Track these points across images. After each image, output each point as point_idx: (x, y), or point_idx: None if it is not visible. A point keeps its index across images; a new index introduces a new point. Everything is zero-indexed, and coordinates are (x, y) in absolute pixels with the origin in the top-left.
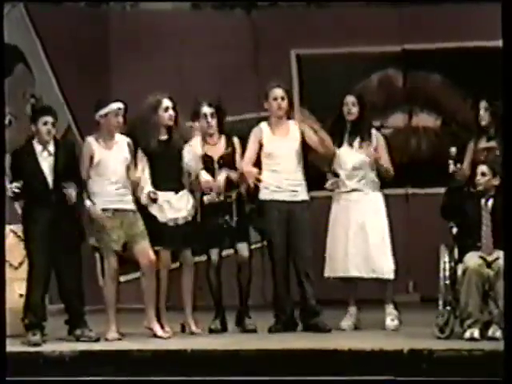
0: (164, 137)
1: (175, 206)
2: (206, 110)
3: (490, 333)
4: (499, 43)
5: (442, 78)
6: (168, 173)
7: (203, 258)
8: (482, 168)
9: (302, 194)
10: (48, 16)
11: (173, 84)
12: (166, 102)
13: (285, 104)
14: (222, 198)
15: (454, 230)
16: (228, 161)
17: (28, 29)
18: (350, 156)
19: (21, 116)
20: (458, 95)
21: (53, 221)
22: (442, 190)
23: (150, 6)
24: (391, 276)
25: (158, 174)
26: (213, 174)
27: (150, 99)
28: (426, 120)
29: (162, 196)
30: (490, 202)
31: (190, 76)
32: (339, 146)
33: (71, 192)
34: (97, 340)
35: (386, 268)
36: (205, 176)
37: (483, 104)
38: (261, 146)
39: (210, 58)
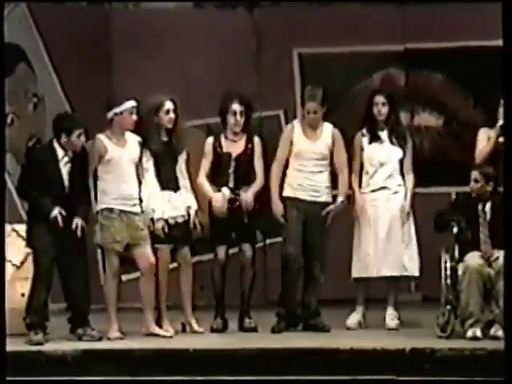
0: (165, 138)
1: (175, 205)
2: (236, 107)
3: (492, 332)
4: (501, 43)
5: (444, 77)
6: (168, 173)
7: (204, 257)
8: (475, 174)
9: (325, 196)
10: (50, 15)
11: (175, 83)
12: (168, 105)
13: (319, 116)
14: (231, 195)
15: (455, 230)
16: (245, 160)
17: (30, 28)
18: (379, 152)
19: (23, 115)
20: (460, 95)
21: (62, 221)
22: (444, 190)
23: (152, 5)
24: (417, 273)
25: (158, 174)
26: (227, 171)
27: (152, 100)
28: (427, 119)
29: (163, 195)
30: (488, 206)
31: (191, 75)
32: (369, 142)
33: (78, 222)
34: (99, 339)
35: (414, 265)
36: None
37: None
38: (291, 144)
39: (211, 57)
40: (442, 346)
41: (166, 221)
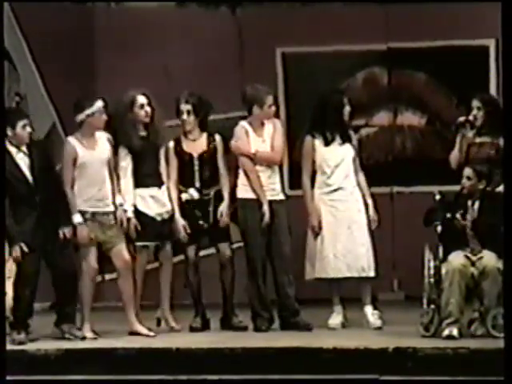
0: (143, 133)
1: (160, 201)
2: (183, 107)
3: (472, 329)
4: (484, 42)
5: (427, 76)
6: (149, 169)
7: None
8: (468, 171)
9: (281, 193)
10: (33, 14)
11: (158, 82)
12: (141, 99)
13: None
14: (199, 195)
15: (439, 229)
16: (208, 159)
17: (13, 26)
18: (333, 153)
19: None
20: (443, 94)
21: (39, 219)
22: (427, 189)
23: (134, 4)
24: (373, 274)
25: (140, 171)
26: (192, 171)
27: (124, 97)
28: (410, 118)
29: (147, 191)
30: (477, 204)
31: (174, 74)
32: (325, 144)
33: (65, 230)
34: (83, 339)
35: (371, 266)
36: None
37: (475, 103)
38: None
39: (195, 56)
40: (424, 345)
41: (153, 218)
